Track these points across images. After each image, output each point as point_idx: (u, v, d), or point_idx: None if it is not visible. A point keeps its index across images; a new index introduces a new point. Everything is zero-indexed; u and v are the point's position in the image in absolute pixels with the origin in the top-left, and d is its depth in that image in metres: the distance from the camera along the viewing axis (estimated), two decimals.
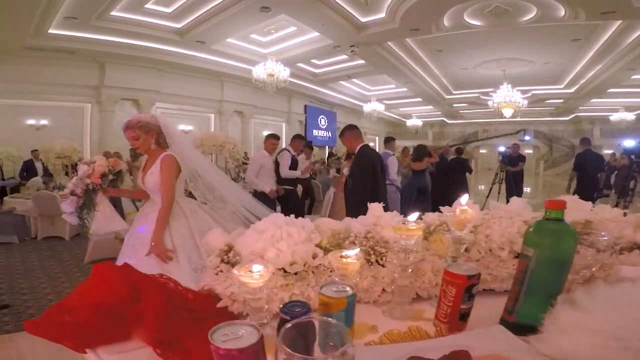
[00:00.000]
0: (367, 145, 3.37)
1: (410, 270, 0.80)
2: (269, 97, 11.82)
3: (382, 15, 7.83)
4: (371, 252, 0.88)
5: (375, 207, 1.01)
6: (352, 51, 9.51)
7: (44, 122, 8.71)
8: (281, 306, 0.60)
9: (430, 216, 1.01)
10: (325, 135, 17.08)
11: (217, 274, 0.82)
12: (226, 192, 2.42)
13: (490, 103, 12.52)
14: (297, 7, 7.10)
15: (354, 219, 1.02)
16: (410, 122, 20.33)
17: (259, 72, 9.05)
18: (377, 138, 22.66)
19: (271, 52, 9.47)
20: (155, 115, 2.38)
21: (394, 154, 5.93)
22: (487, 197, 7.50)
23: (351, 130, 3.31)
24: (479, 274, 0.73)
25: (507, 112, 12.43)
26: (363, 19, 8.07)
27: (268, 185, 4.59)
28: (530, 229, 0.73)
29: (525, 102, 12.32)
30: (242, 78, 10.69)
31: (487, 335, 0.69)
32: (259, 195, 4.31)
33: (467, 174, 7.65)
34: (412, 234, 0.77)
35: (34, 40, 7.21)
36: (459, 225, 0.81)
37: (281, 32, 9.04)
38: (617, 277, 0.81)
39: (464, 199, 0.86)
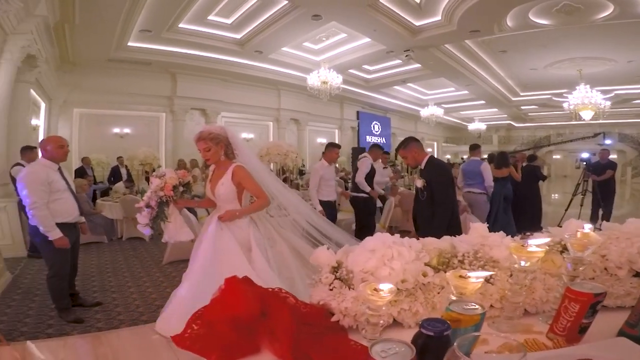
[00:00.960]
0: (433, 156, 3.31)
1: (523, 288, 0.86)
2: (322, 104, 12.08)
3: (437, 18, 7.61)
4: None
5: (479, 227, 1.04)
6: (406, 56, 9.35)
7: (127, 130, 9.87)
8: (420, 322, 0.62)
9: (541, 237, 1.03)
10: (378, 141, 16.90)
11: (331, 290, 0.86)
12: (286, 201, 2.48)
13: (565, 105, 11.40)
14: (348, 14, 7.19)
15: (455, 237, 1.05)
16: (472, 126, 19.23)
17: (313, 80, 9.31)
18: (435, 143, 21.85)
19: (323, 60, 9.70)
20: (223, 126, 2.48)
21: (483, 161, 5.50)
22: (567, 209, 6.72)
23: (416, 142, 3.22)
24: (605, 293, 0.76)
25: (586, 115, 11.20)
26: (417, 23, 7.91)
27: (329, 195, 4.52)
28: None
29: (608, 103, 11.00)
30: (297, 86, 11.09)
31: (610, 347, 0.72)
32: (323, 201, 4.38)
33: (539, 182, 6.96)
34: (532, 257, 0.82)
35: (116, 53, 8.14)
36: (579, 247, 0.85)
37: (332, 39, 9.20)
38: None
39: (587, 225, 0.94)
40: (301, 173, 11.17)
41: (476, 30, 7.77)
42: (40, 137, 7.89)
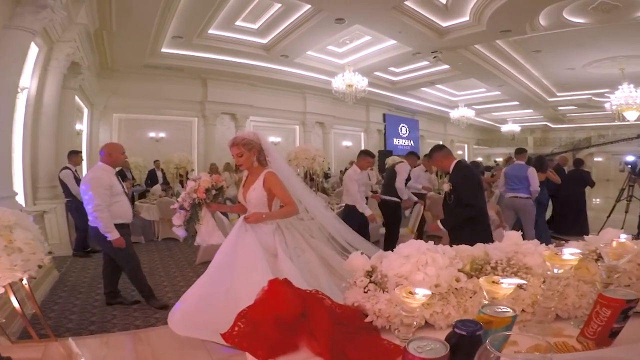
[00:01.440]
0: (462, 160, 3.29)
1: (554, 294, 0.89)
2: (347, 107, 12.05)
3: (465, 18, 7.47)
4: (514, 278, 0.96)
5: (513, 235, 1.09)
6: (434, 57, 9.22)
7: (162, 134, 10.28)
8: (454, 323, 0.65)
9: (575, 245, 1.05)
10: (406, 143, 16.69)
11: (365, 292, 0.92)
12: (311, 207, 2.53)
13: (607, 105, 10.81)
14: (371, 17, 7.16)
15: (488, 244, 1.08)
16: (505, 128, 18.59)
17: (338, 83, 9.32)
18: (465, 146, 21.29)
19: (348, 63, 9.70)
20: (257, 133, 2.49)
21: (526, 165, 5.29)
22: (609, 215, 6.24)
23: (440, 151, 3.26)
24: (638, 299, 0.79)
25: (631, 115, 10.57)
26: (444, 24, 7.79)
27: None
28: None
29: None
30: (322, 89, 11.18)
31: (638, 349, 0.75)
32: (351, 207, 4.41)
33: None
34: (565, 264, 0.84)
35: (150, 59, 8.49)
36: (615, 256, 0.88)
37: (356, 42, 9.20)
38: None
39: (624, 235, 0.98)
40: (327, 176, 11.19)
41: (507, 30, 7.55)
42: (84, 142, 8.39)
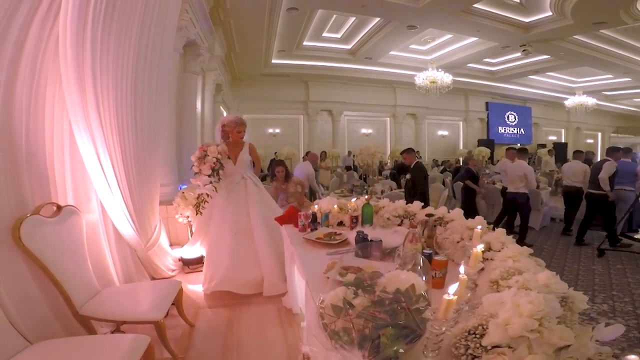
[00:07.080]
0: (419, 161, 5.22)
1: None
2: (442, 98, 12.00)
3: (548, 13, 7.26)
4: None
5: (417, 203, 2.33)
6: (524, 50, 8.95)
7: (277, 130, 12.74)
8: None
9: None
10: (515, 131, 15.69)
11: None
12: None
13: None
14: (442, 21, 7.51)
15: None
16: None
17: (420, 80, 9.92)
18: (599, 134, 18.25)
19: (433, 59, 10.09)
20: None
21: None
22: None
23: (410, 152, 5.24)
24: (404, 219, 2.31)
25: None
26: (527, 19, 7.65)
27: None
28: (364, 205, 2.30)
29: None
30: (411, 83, 11.53)
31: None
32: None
33: None
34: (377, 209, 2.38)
35: (265, 69, 10.63)
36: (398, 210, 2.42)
37: (438, 40, 9.49)
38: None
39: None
40: None
41: (601, 22, 7.01)
42: None
